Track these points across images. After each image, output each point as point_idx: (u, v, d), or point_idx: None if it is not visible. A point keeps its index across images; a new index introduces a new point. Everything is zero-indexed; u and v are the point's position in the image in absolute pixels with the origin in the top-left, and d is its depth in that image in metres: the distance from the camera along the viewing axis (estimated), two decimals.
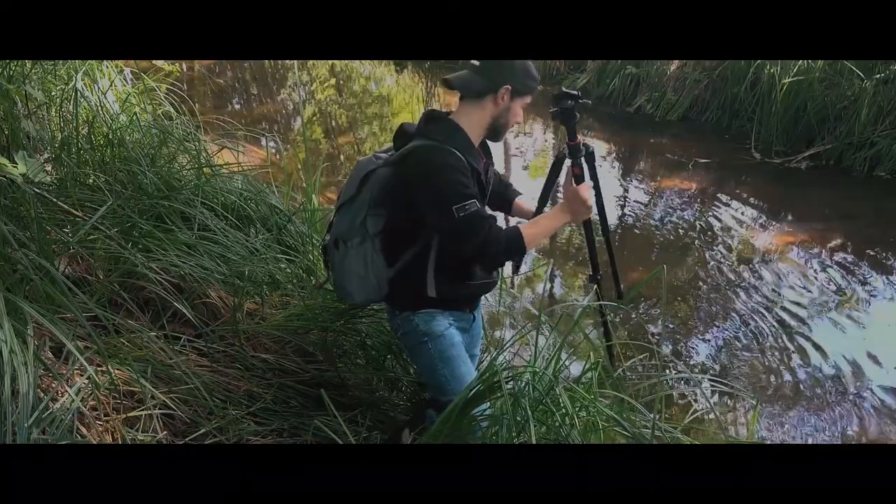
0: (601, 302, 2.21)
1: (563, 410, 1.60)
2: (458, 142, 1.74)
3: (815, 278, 3.91)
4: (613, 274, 2.35)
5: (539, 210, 2.12)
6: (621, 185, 5.55)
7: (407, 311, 1.87)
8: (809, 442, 2.73)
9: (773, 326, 3.44)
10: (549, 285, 3.97)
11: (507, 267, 2.33)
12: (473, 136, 1.78)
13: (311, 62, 9.71)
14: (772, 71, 5.77)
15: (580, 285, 3.96)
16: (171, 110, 3.48)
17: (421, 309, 1.85)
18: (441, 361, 1.85)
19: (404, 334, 1.91)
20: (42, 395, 1.56)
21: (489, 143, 1.91)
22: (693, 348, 3.33)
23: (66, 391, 1.62)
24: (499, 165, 5.51)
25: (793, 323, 3.47)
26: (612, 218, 4.85)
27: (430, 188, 1.69)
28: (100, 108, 3.17)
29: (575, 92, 1.94)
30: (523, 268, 3.81)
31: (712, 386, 2.81)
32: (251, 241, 2.65)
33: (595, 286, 2.25)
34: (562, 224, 1.89)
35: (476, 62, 1.77)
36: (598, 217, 2.19)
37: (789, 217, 4.72)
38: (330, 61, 9.50)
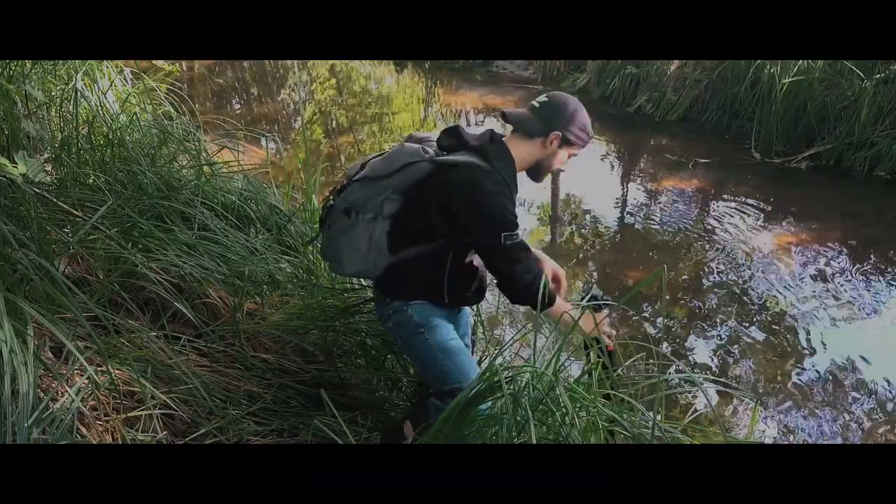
0: (604, 302, 2.19)
1: (563, 410, 1.60)
2: (509, 171, 1.79)
3: (815, 278, 3.90)
4: None
5: None
6: (621, 184, 5.55)
7: (399, 301, 1.86)
8: (809, 442, 2.73)
9: (773, 326, 3.45)
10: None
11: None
12: (518, 169, 1.84)
13: (311, 62, 9.71)
14: (772, 71, 5.76)
15: (579, 286, 3.96)
16: (171, 110, 3.48)
17: (416, 300, 1.85)
18: (441, 352, 1.85)
19: (397, 325, 1.89)
20: (42, 395, 1.56)
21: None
22: (693, 348, 3.34)
23: (66, 391, 1.62)
24: None
25: (792, 323, 3.47)
26: (613, 217, 4.86)
27: (482, 210, 1.72)
28: (100, 108, 3.17)
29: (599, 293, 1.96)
30: None
31: (712, 385, 2.81)
32: (251, 241, 2.64)
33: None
34: (572, 328, 1.80)
35: (536, 104, 1.82)
36: None
37: (789, 217, 4.72)
38: (330, 61, 9.50)
